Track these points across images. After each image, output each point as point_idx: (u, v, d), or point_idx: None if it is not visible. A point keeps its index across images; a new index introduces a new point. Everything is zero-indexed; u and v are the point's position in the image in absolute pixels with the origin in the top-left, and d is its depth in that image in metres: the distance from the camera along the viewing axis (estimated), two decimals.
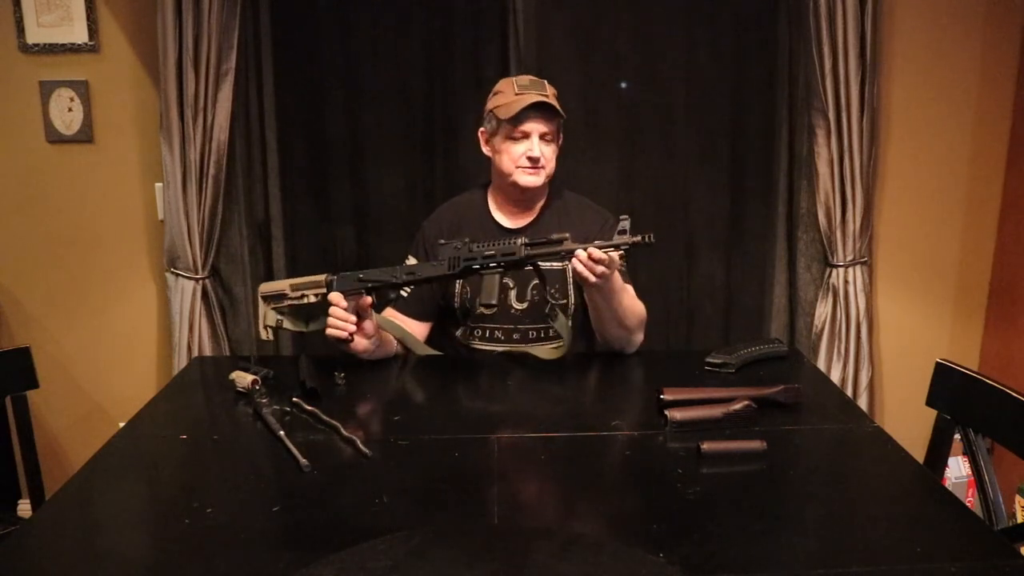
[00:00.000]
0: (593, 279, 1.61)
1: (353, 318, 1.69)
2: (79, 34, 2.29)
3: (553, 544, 1.08)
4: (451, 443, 1.41)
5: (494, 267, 1.66)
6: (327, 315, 1.70)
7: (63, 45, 2.30)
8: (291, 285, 1.74)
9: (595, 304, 1.77)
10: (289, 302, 1.74)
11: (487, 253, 1.65)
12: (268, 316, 1.76)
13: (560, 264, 1.86)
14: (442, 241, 1.71)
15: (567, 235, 1.64)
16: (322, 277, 1.72)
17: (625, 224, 1.60)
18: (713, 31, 2.45)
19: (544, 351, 1.83)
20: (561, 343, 1.81)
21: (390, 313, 1.88)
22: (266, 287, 1.78)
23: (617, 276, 1.71)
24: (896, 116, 2.45)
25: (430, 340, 1.96)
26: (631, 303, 1.80)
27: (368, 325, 1.72)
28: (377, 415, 1.60)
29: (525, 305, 1.86)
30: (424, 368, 1.84)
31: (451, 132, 2.46)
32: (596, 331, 1.85)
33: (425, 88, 2.47)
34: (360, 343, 1.73)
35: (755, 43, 2.45)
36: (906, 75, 2.42)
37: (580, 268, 1.61)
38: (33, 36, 2.29)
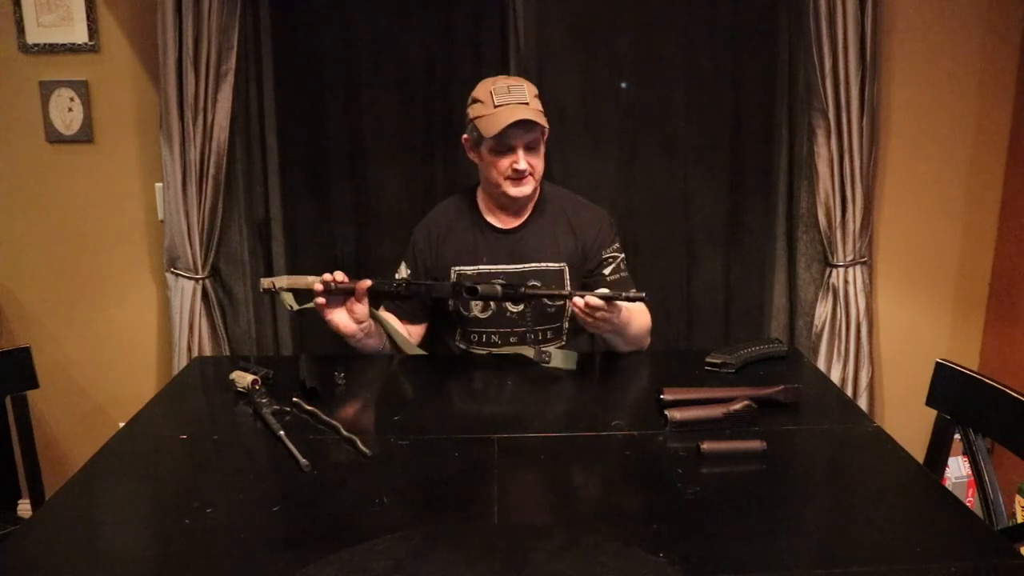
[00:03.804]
0: (591, 320, 1.62)
1: (341, 298, 1.73)
2: (79, 34, 2.29)
3: (553, 544, 1.08)
4: (451, 443, 1.41)
5: (496, 295, 1.71)
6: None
7: (63, 45, 2.29)
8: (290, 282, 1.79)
9: (603, 338, 1.81)
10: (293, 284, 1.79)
11: (492, 283, 1.71)
12: (286, 298, 1.78)
13: (556, 265, 1.86)
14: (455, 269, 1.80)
15: (566, 292, 1.74)
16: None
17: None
18: (713, 31, 2.45)
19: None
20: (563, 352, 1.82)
21: (383, 314, 1.88)
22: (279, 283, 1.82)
23: (623, 314, 1.70)
24: (896, 116, 2.45)
25: (428, 344, 1.96)
26: (639, 325, 1.82)
27: (359, 309, 1.73)
28: (377, 415, 1.60)
29: (520, 308, 1.86)
30: (424, 368, 1.84)
31: (451, 132, 2.46)
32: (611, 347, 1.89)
33: (425, 88, 2.46)
34: (348, 326, 1.75)
35: (755, 43, 2.45)
36: (906, 75, 2.42)
37: (579, 314, 1.63)
38: (33, 36, 2.29)
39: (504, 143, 1.75)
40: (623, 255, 1.93)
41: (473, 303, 1.86)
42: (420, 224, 1.95)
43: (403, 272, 1.92)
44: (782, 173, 2.50)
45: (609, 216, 1.95)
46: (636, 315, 1.80)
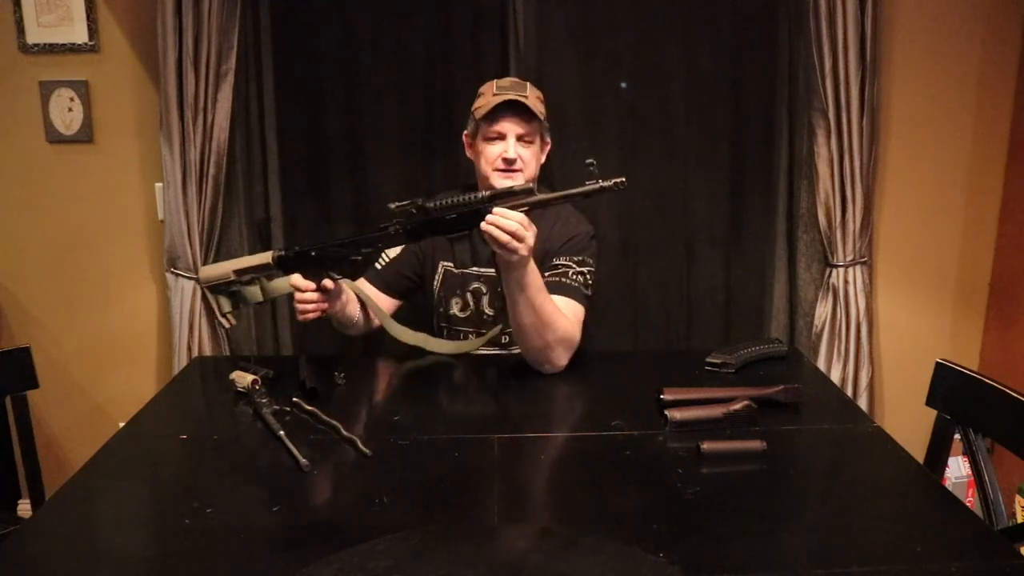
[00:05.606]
0: (502, 236, 1.47)
1: (320, 296, 1.62)
2: (79, 34, 2.29)
3: (553, 544, 1.08)
4: (451, 443, 1.41)
5: (454, 223, 1.55)
6: (289, 288, 1.63)
7: (63, 45, 2.29)
8: (235, 271, 1.65)
9: (509, 290, 1.61)
10: (239, 287, 1.67)
11: (444, 205, 1.54)
12: (223, 304, 1.68)
13: None
14: (392, 205, 1.58)
15: (531, 186, 1.56)
16: (268, 256, 1.62)
17: (593, 170, 1.50)
18: (713, 31, 2.45)
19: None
20: None
21: (360, 283, 1.86)
22: (208, 275, 1.67)
23: (533, 271, 1.59)
24: (896, 116, 2.45)
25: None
26: (553, 311, 1.65)
27: (328, 283, 1.63)
28: (377, 415, 1.60)
29: (497, 309, 1.87)
30: (424, 368, 1.84)
31: (451, 132, 2.46)
32: (513, 329, 1.69)
33: (425, 88, 2.46)
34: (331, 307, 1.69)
35: (755, 43, 2.45)
36: (906, 75, 2.42)
37: (488, 227, 1.48)
38: (33, 36, 2.29)
39: (495, 127, 1.75)
40: (582, 270, 1.79)
41: (453, 301, 1.89)
42: None
43: (394, 252, 1.89)
44: (782, 173, 2.50)
45: (590, 235, 1.86)
46: (552, 301, 1.66)
